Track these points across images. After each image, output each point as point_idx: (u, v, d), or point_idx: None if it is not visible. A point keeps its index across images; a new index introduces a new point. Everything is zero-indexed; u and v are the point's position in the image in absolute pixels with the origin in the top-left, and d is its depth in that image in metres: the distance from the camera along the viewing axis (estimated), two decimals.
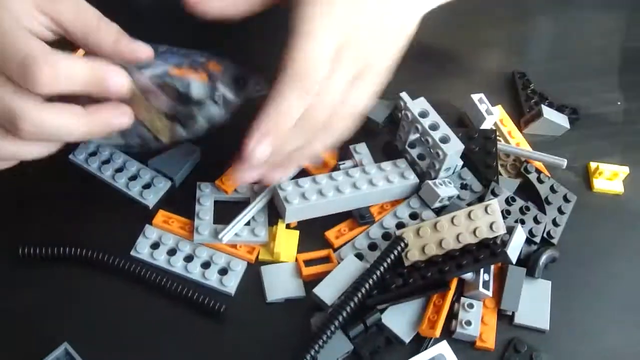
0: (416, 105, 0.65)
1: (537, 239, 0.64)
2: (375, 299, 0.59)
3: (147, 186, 0.64)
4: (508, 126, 0.72)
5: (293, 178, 0.63)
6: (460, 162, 0.66)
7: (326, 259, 0.62)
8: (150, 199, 0.63)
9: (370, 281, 0.58)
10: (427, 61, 0.78)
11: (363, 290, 0.58)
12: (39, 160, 0.62)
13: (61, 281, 0.60)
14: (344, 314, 0.57)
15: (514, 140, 0.71)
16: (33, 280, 0.60)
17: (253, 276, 0.61)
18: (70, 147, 0.66)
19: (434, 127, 0.64)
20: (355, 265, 0.60)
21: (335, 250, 0.63)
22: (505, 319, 0.61)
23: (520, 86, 0.76)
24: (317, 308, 0.60)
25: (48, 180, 0.65)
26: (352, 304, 0.57)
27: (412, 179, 0.65)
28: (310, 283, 0.60)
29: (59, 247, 0.60)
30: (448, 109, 0.72)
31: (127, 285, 0.60)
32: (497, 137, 0.68)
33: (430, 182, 0.63)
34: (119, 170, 0.65)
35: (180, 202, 0.65)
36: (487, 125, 0.70)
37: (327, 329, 0.56)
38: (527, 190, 0.68)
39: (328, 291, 0.59)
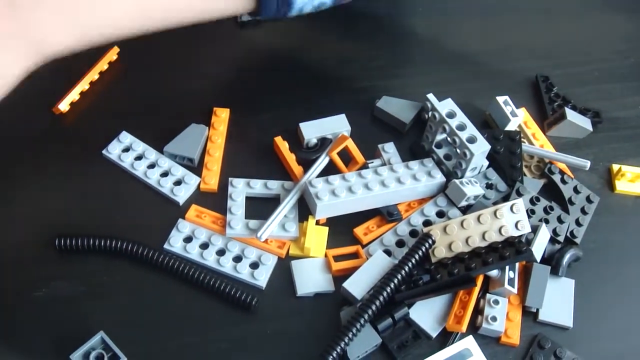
0: (444, 106, 0.66)
1: (561, 239, 0.65)
2: (404, 295, 0.60)
3: (177, 183, 0.66)
4: (532, 128, 0.73)
5: (323, 175, 0.65)
6: (486, 163, 0.67)
7: (355, 255, 0.63)
8: (181, 196, 0.65)
9: (399, 277, 0.59)
10: (453, 64, 0.80)
11: (392, 286, 0.59)
12: (73, 154, 0.65)
13: (96, 272, 0.62)
14: (373, 308, 0.58)
15: (538, 142, 0.72)
16: (69, 271, 0.61)
17: (283, 271, 0.63)
18: (103, 143, 0.67)
19: (462, 127, 0.65)
20: (383, 261, 0.61)
21: (363, 246, 0.64)
22: (529, 315, 0.63)
23: (544, 89, 0.78)
24: (346, 302, 0.61)
25: (83, 174, 0.66)
26: (381, 299, 0.58)
27: (439, 177, 0.66)
28: (339, 278, 0.62)
29: (94, 239, 0.61)
30: (473, 110, 0.73)
31: (161, 278, 0.61)
32: (522, 139, 0.70)
33: (457, 180, 0.65)
34: (151, 166, 0.67)
35: (211, 197, 0.66)
36: (511, 127, 0.71)
37: (357, 323, 0.57)
38: (550, 191, 0.69)
39: (357, 286, 0.60)
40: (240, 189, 0.65)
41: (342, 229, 0.65)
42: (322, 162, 0.66)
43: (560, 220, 0.66)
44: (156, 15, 0.55)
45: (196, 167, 0.67)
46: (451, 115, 0.66)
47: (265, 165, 0.68)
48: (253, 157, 0.69)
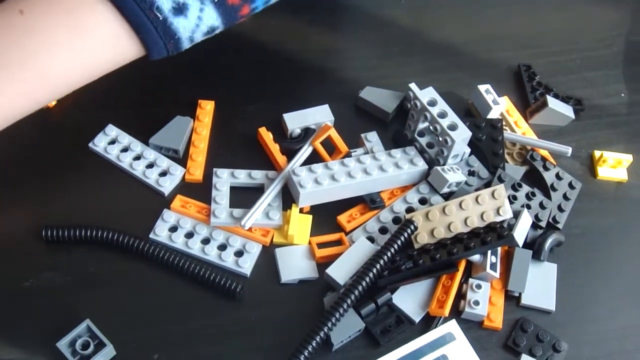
0: (425, 94, 0.67)
1: (543, 224, 0.66)
2: (386, 280, 0.61)
3: (163, 174, 0.67)
4: (514, 116, 0.74)
5: (306, 164, 0.65)
6: (468, 150, 0.68)
7: (338, 242, 0.64)
8: (166, 186, 0.66)
9: (382, 262, 0.60)
10: (435, 53, 0.80)
11: (374, 271, 0.59)
12: (60, 147, 0.65)
13: (83, 262, 0.62)
14: (356, 293, 0.58)
15: (520, 130, 0.73)
16: (56, 261, 0.62)
17: (268, 258, 0.63)
18: (90, 136, 0.68)
19: (442, 115, 0.66)
20: (366, 248, 0.62)
21: (347, 233, 0.65)
22: (512, 300, 0.63)
23: (526, 78, 0.78)
24: (330, 288, 0.62)
25: (70, 167, 0.67)
26: (363, 284, 0.59)
27: (421, 165, 0.67)
28: (323, 265, 0.62)
29: (80, 230, 0.62)
30: (455, 99, 0.74)
31: (146, 267, 0.62)
32: (504, 126, 0.70)
33: (439, 168, 0.65)
34: (137, 158, 0.67)
35: (196, 187, 0.67)
36: (493, 115, 0.72)
37: (340, 307, 0.58)
38: (533, 178, 0.70)
39: (340, 272, 0.61)
40: (225, 179, 0.66)
41: (325, 217, 0.66)
42: (305, 152, 0.67)
43: (542, 206, 0.67)
44: (44, 97, 0.54)
45: (181, 159, 0.68)
46: (432, 103, 0.67)
47: (249, 155, 0.69)
48: (237, 148, 0.70)
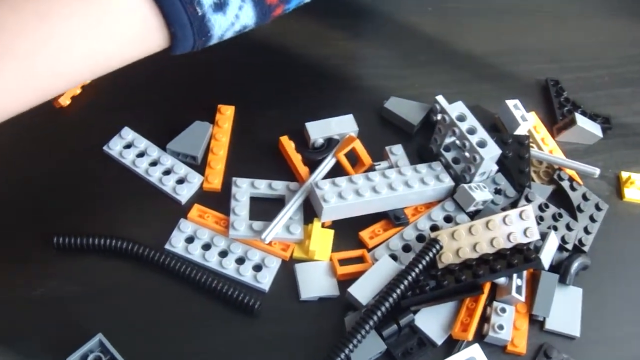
0: (454, 108, 0.65)
1: (569, 246, 0.64)
2: (409, 301, 0.59)
3: (180, 181, 0.64)
4: (541, 133, 0.72)
5: (328, 176, 0.63)
6: (495, 167, 0.66)
7: (360, 259, 0.62)
8: (184, 195, 0.63)
9: (405, 282, 0.58)
10: (462, 66, 0.78)
11: (398, 292, 0.58)
12: (72, 150, 0.63)
13: (95, 272, 0.60)
14: (379, 314, 0.57)
15: (547, 147, 0.71)
16: (66, 270, 0.60)
17: (287, 274, 0.61)
18: (105, 139, 0.66)
19: (472, 131, 0.64)
20: (389, 266, 0.60)
21: (369, 250, 0.63)
22: (536, 324, 0.62)
23: (554, 93, 0.76)
24: (351, 307, 0.60)
25: (82, 171, 0.65)
26: (387, 305, 0.57)
27: (448, 182, 0.65)
28: (344, 282, 0.60)
29: (93, 238, 0.60)
30: (481, 113, 0.72)
31: (161, 279, 0.60)
32: (531, 144, 0.68)
33: (465, 185, 0.64)
34: (153, 164, 0.65)
35: (214, 196, 0.64)
36: (521, 131, 0.70)
37: (362, 328, 0.56)
38: (559, 197, 0.68)
39: (363, 291, 0.59)
40: (244, 189, 0.64)
41: (346, 231, 0.64)
42: (328, 164, 0.65)
43: (568, 227, 0.65)
44: (55, 85, 0.49)
45: (199, 166, 0.66)
46: (461, 118, 0.65)
47: (269, 165, 0.67)
48: (257, 156, 0.67)
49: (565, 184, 0.68)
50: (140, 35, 0.49)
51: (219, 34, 0.51)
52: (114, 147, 0.66)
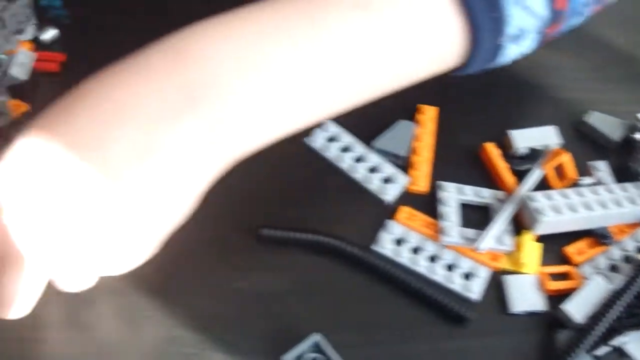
0: None
1: None
2: (622, 323, 0.57)
3: (386, 180, 0.63)
4: None
5: (539, 189, 0.62)
6: None
7: (566, 275, 0.61)
8: (390, 195, 0.62)
9: (623, 303, 0.57)
10: None
11: (615, 313, 0.56)
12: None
13: (300, 268, 0.59)
14: (597, 335, 0.55)
15: None
16: (271, 264, 0.59)
17: (493, 284, 0.60)
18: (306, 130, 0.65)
19: None
20: (602, 286, 0.59)
21: (575, 267, 0.61)
22: None
23: None
24: (560, 325, 0.59)
25: (285, 163, 0.63)
26: (604, 326, 0.56)
27: None
28: (552, 298, 0.59)
29: (301, 233, 0.59)
30: None
31: (368, 279, 0.59)
32: None
33: None
34: (358, 160, 0.64)
35: (419, 199, 0.63)
36: None
37: (578, 348, 0.55)
38: None
39: (577, 309, 0.58)
40: (452, 195, 0.62)
41: (550, 246, 0.63)
42: (537, 175, 0.63)
43: None
44: (352, 90, 0.49)
45: (402, 166, 0.65)
46: None
47: (470, 170, 0.66)
48: (458, 160, 0.66)
49: None
50: (445, 61, 0.50)
51: (496, 63, 0.51)
52: (317, 139, 0.64)
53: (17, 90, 0.67)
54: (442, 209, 0.62)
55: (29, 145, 0.43)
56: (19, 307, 0.47)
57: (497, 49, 0.50)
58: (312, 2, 0.46)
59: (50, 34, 0.71)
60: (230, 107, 0.44)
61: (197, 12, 0.47)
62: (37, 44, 0.71)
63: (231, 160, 0.46)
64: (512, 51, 0.51)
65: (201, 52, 0.44)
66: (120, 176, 0.42)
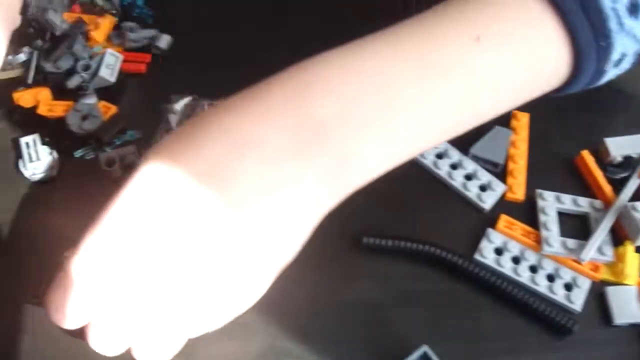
0: None
1: None
2: None
3: (483, 188, 0.62)
4: None
5: (634, 198, 0.61)
6: None
7: None
8: (488, 202, 0.62)
9: None
10: None
11: None
12: None
13: (403, 277, 0.59)
14: None
15: None
16: (374, 273, 0.59)
17: (593, 295, 0.60)
18: None
19: None
20: None
21: None
22: None
23: None
24: None
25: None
26: None
27: None
28: None
29: (404, 241, 0.58)
30: None
31: (470, 289, 0.59)
32: None
33: None
34: (454, 167, 0.63)
35: (515, 207, 0.63)
36: None
37: None
38: None
39: None
40: (551, 203, 0.62)
41: None
42: (634, 184, 0.63)
43: None
44: (469, 121, 0.49)
45: (498, 173, 0.64)
46: None
47: (565, 178, 0.65)
48: (553, 168, 0.66)
49: None
50: (552, 78, 0.49)
51: (599, 83, 0.51)
52: None
53: (104, 92, 0.66)
54: (543, 218, 0.61)
55: (153, 173, 0.43)
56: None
57: (599, 73, 0.50)
58: (431, 35, 0.46)
59: (164, 40, 0.70)
60: (356, 145, 0.44)
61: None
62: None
63: (351, 192, 0.46)
64: (611, 73, 0.51)
65: (326, 87, 0.44)
66: (248, 208, 0.42)
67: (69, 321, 0.45)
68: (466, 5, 0.47)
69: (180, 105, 0.62)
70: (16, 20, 0.59)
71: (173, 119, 0.61)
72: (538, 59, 0.48)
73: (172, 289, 0.42)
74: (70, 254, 0.45)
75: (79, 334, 0.46)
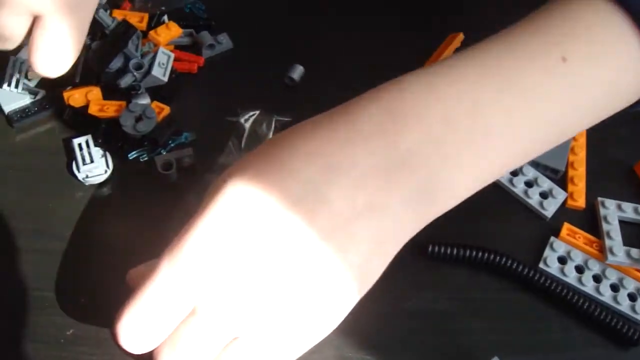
0: None
1: None
2: None
3: (544, 195, 0.62)
4: None
5: None
6: None
7: None
8: (550, 210, 0.61)
9: None
10: None
11: None
12: None
13: (468, 286, 0.59)
14: None
15: None
16: (437, 282, 0.59)
17: None
18: None
19: None
20: None
21: None
22: None
23: None
24: None
25: None
26: None
27: None
28: None
29: (470, 250, 0.58)
30: None
31: (534, 299, 0.58)
32: None
33: None
34: (515, 174, 0.63)
35: (576, 215, 0.62)
36: None
37: None
38: None
39: None
40: (612, 211, 0.61)
41: None
42: None
43: None
44: (551, 140, 0.49)
45: (559, 180, 0.63)
46: None
47: (622, 185, 0.65)
48: (612, 175, 0.65)
49: None
50: (632, 95, 0.49)
51: None
52: None
53: (155, 91, 0.64)
54: (606, 227, 0.61)
55: (242, 192, 0.42)
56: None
57: None
58: (518, 58, 0.45)
59: (298, 72, 0.68)
60: (443, 172, 0.44)
61: None
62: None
63: (433, 219, 0.46)
64: None
65: (412, 112, 0.43)
66: (337, 235, 0.42)
67: (147, 346, 0.43)
68: (553, 21, 0.46)
69: (249, 121, 0.61)
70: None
71: (243, 133, 0.60)
72: (622, 81, 0.47)
73: (256, 313, 0.42)
74: (140, 276, 0.43)
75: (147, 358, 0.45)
